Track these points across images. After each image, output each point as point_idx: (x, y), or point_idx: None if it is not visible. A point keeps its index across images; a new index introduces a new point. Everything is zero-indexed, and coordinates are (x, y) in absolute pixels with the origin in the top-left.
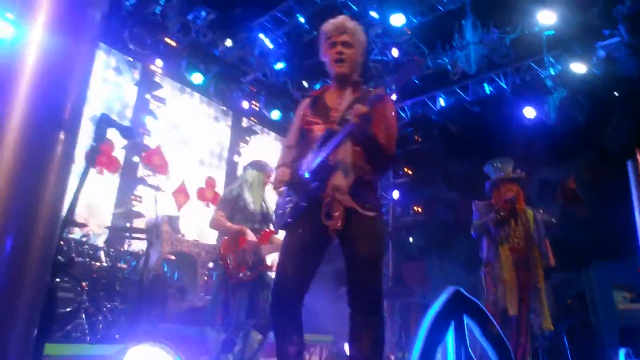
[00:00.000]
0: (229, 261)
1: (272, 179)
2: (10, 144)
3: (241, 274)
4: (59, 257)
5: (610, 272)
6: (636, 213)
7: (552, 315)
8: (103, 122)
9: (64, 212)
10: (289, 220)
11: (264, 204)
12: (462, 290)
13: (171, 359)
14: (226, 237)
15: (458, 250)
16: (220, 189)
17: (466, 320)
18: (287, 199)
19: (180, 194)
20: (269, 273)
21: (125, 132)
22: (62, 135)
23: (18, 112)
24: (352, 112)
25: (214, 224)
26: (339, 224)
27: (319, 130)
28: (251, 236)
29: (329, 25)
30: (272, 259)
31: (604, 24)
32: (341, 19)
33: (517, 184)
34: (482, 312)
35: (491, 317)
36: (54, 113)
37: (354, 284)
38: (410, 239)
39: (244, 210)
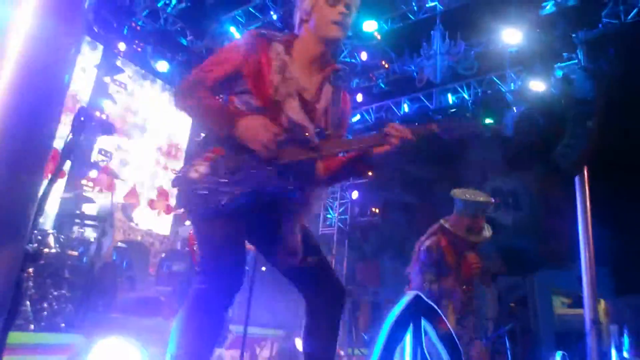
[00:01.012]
0: (195, 249)
1: None
2: None
3: None
4: (28, 247)
5: (552, 279)
6: (579, 225)
7: (495, 319)
8: (82, 115)
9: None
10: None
11: None
12: (421, 295)
13: (138, 352)
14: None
15: (410, 252)
16: (173, 193)
17: (424, 323)
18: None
19: (131, 198)
20: None
21: (105, 127)
22: (41, 122)
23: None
24: (390, 130)
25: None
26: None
27: (294, 113)
28: None
29: None
30: None
31: (564, 47)
32: None
33: (476, 247)
34: (437, 315)
35: (445, 320)
36: (36, 101)
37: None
38: (366, 239)
39: None
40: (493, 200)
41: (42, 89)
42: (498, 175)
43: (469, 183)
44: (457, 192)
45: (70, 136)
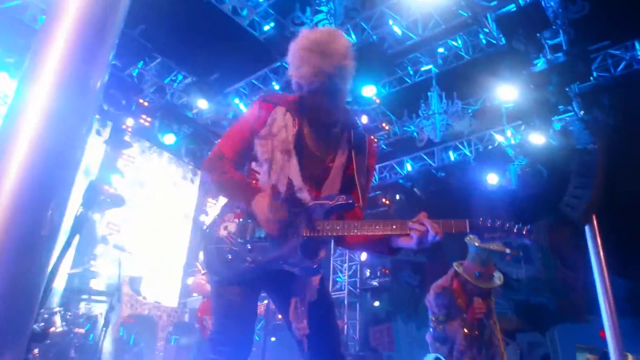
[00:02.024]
0: (205, 323)
1: None
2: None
3: None
4: (35, 327)
5: (574, 334)
6: (595, 276)
7: None
8: (92, 189)
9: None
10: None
11: None
12: (440, 357)
13: None
14: (204, 299)
15: (424, 313)
16: (184, 247)
17: None
18: (248, 247)
19: None
20: None
21: (114, 200)
22: (54, 199)
23: (12, 175)
24: (416, 225)
25: (194, 288)
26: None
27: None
28: None
29: (331, 36)
30: None
31: (559, 100)
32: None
33: (489, 293)
34: None
35: None
36: (48, 178)
37: None
38: (376, 303)
39: None
40: (508, 251)
41: (55, 166)
42: None
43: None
44: (471, 238)
45: (81, 210)
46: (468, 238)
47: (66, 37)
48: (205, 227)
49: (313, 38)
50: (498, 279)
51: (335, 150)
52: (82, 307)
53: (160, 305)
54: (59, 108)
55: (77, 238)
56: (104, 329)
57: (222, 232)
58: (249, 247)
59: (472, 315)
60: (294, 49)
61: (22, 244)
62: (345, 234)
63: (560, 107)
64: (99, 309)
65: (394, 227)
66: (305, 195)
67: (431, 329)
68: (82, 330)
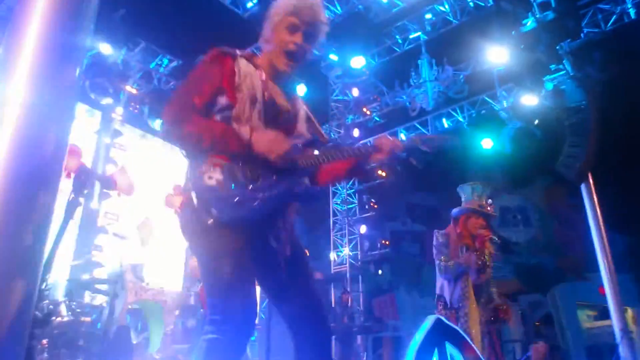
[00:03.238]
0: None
1: None
2: None
3: None
4: (37, 313)
5: (574, 292)
6: (593, 234)
7: (522, 340)
8: (82, 174)
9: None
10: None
11: None
12: (442, 318)
13: None
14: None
15: (426, 281)
16: None
17: (448, 347)
18: (257, 185)
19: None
20: None
21: (105, 182)
22: (41, 194)
23: None
24: (381, 141)
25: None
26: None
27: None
28: None
29: (301, 1)
30: None
31: (550, 59)
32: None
33: (486, 220)
34: (462, 339)
35: (471, 343)
36: (34, 171)
37: None
38: (380, 272)
39: None
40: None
41: (39, 156)
42: (503, 193)
43: None
44: (461, 186)
45: (72, 196)
46: (459, 187)
47: (39, 23)
48: (187, 181)
49: (294, 3)
50: (493, 209)
51: (293, 99)
52: (87, 297)
53: (164, 291)
54: (37, 98)
55: (76, 228)
56: (110, 316)
57: (210, 182)
58: (252, 187)
59: (481, 240)
60: (275, 12)
61: (11, 236)
62: (331, 159)
63: (551, 66)
64: (104, 298)
65: (369, 147)
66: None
67: (442, 272)
68: (88, 319)
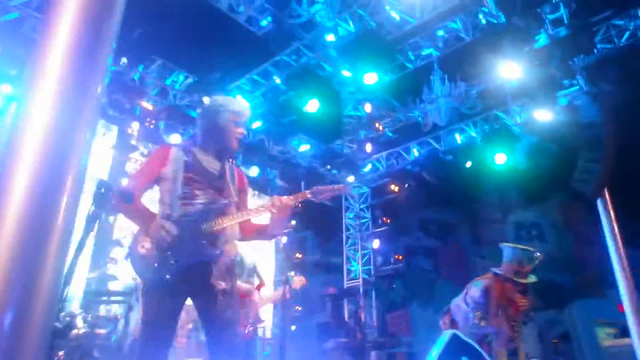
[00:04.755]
0: None
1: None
2: (13, 214)
3: (245, 332)
4: (56, 324)
5: (592, 309)
6: (610, 250)
7: (539, 357)
8: (102, 187)
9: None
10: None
11: (246, 259)
12: (458, 333)
13: None
14: None
15: (440, 297)
16: None
17: None
18: (168, 253)
19: None
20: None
21: (124, 195)
22: (63, 204)
23: (21, 184)
24: (275, 201)
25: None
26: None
27: (201, 190)
28: (255, 294)
29: (242, 106)
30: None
31: (564, 74)
32: (246, 103)
33: (526, 290)
34: (479, 354)
35: (488, 359)
36: (56, 184)
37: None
38: (393, 287)
39: (240, 265)
40: (539, 254)
41: (60, 173)
42: (518, 208)
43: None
44: (505, 243)
45: (93, 208)
46: (502, 244)
47: (63, 44)
48: (128, 249)
49: (232, 109)
50: (533, 276)
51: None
52: (102, 309)
53: None
54: (61, 115)
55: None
56: (125, 328)
57: (142, 250)
58: (168, 253)
59: (516, 309)
60: (214, 113)
61: (35, 251)
62: (229, 223)
63: (565, 81)
64: (119, 310)
65: (266, 206)
66: (196, 207)
67: (470, 326)
68: (103, 331)
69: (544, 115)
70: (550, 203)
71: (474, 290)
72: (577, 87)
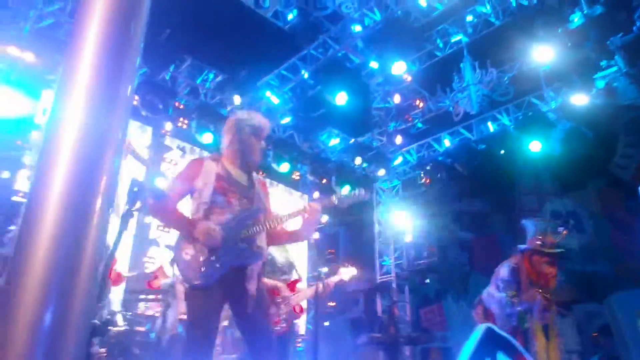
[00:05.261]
0: None
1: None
2: (51, 216)
3: (277, 328)
4: (96, 321)
5: (634, 300)
6: None
7: (579, 352)
8: (135, 186)
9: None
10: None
11: (285, 254)
12: (493, 327)
13: None
14: None
15: (474, 290)
16: None
17: (500, 357)
18: (213, 258)
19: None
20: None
21: (156, 194)
22: (98, 204)
23: (57, 185)
24: (307, 206)
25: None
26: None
27: (234, 199)
28: (285, 290)
29: (265, 122)
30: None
31: (601, 55)
32: (265, 119)
33: (553, 259)
34: (515, 349)
35: (525, 353)
36: (91, 185)
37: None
38: (427, 281)
39: (271, 264)
40: (562, 228)
41: (94, 174)
42: (554, 197)
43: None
44: (528, 219)
45: (127, 207)
46: (523, 222)
47: (92, 46)
48: (173, 257)
49: (252, 124)
50: (558, 247)
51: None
52: (141, 307)
53: None
54: (92, 116)
55: (131, 241)
56: (163, 325)
57: (186, 257)
58: (213, 258)
59: (546, 279)
60: (237, 128)
61: (71, 249)
62: (265, 228)
63: (602, 62)
64: (157, 308)
65: (297, 211)
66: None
67: (506, 307)
68: (143, 329)
69: (580, 100)
70: (587, 191)
71: (502, 270)
72: (615, 68)
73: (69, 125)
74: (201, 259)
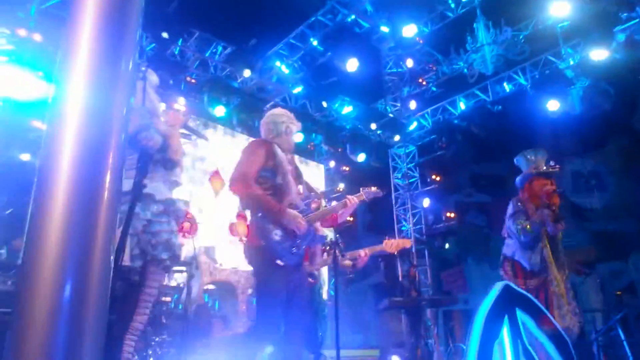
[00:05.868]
0: None
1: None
2: (61, 193)
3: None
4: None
5: None
6: None
7: (602, 310)
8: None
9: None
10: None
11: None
12: (511, 284)
13: None
14: None
15: (495, 252)
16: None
17: (519, 314)
18: (298, 242)
19: (216, 178)
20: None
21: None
22: (108, 178)
23: (65, 163)
24: (349, 199)
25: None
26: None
27: (293, 181)
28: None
29: (293, 116)
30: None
31: (621, 7)
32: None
33: (551, 179)
34: (534, 305)
35: (545, 310)
36: (99, 161)
37: None
38: (447, 245)
39: None
40: (554, 163)
41: (101, 150)
42: (575, 157)
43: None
44: (517, 159)
45: (137, 178)
46: (516, 159)
47: (90, 23)
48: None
49: (286, 118)
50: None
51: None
52: (166, 279)
53: (237, 270)
54: (96, 93)
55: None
56: (188, 296)
57: (276, 237)
58: (298, 241)
59: (548, 194)
60: (273, 123)
61: (83, 217)
62: (327, 215)
63: (622, 15)
64: (181, 279)
65: (341, 204)
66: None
67: (521, 236)
68: (169, 299)
69: (600, 55)
70: (609, 149)
71: (508, 207)
72: (637, 19)
73: (72, 101)
74: (289, 241)
